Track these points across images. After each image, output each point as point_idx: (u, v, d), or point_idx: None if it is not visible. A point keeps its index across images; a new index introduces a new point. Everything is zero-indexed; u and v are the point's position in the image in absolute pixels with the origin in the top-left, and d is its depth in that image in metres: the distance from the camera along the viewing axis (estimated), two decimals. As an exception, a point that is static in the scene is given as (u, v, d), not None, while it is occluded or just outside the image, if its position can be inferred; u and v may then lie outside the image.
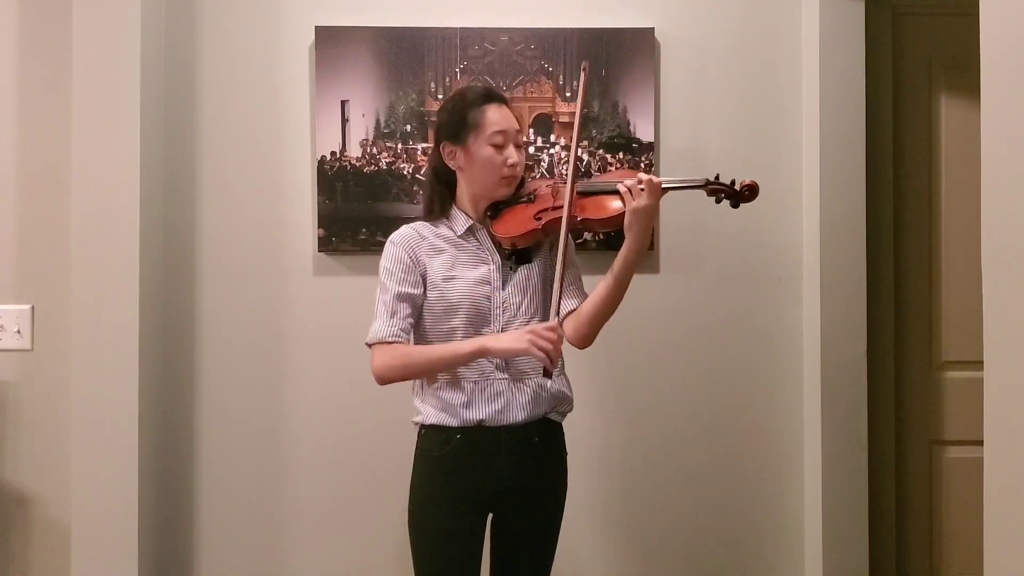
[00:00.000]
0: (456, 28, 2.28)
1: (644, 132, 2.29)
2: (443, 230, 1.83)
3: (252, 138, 2.31)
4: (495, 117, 1.78)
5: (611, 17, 2.32)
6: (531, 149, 2.28)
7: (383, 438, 2.27)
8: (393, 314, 1.77)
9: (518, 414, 1.76)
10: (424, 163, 2.26)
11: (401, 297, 1.77)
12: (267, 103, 2.31)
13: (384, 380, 1.76)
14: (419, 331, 1.82)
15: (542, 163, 2.29)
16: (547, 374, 1.71)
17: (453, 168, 1.83)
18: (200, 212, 2.30)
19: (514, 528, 1.81)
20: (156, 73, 2.24)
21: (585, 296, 1.82)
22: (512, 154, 1.79)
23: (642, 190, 1.71)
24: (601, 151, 2.29)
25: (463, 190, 1.85)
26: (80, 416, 2.11)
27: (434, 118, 2.18)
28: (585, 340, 1.79)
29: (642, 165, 2.29)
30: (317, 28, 2.27)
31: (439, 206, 1.85)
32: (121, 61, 2.13)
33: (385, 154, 2.27)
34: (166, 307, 2.28)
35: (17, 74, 2.24)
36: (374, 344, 1.77)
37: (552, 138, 2.29)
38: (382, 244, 1.85)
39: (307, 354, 2.30)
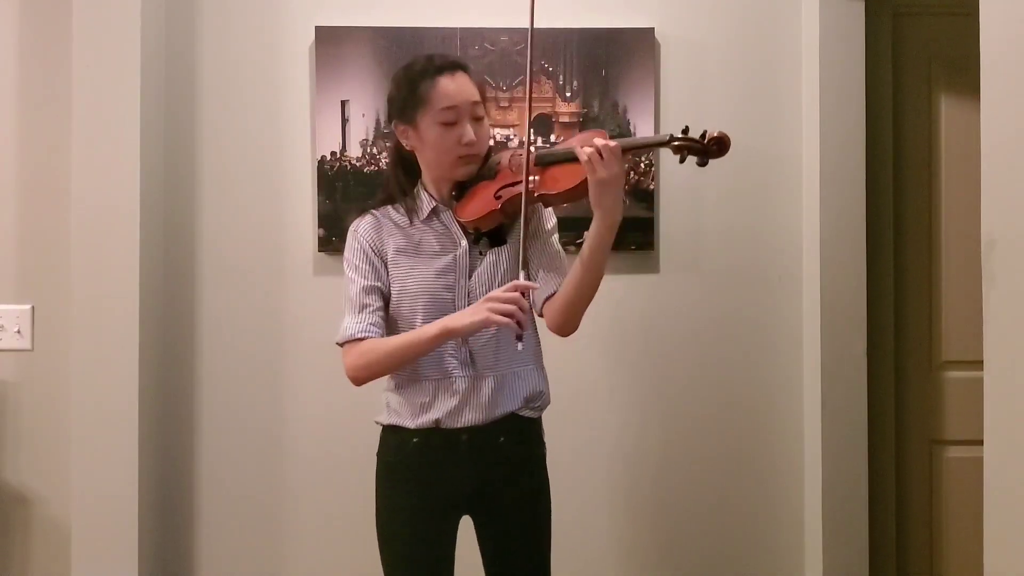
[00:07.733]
0: (456, 28, 2.28)
1: (644, 132, 2.29)
2: (407, 215, 1.71)
3: (252, 138, 2.31)
4: (446, 90, 1.62)
5: (611, 17, 2.32)
6: (531, 149, 2.28)
7: (383, 438, 2.27)
8: (362, 308, 1.66)
9: (475, 415, 1.65)
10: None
11: (369, 290, 1.67)
12: (267, 103, 2.31)
13: (357, 380, 1.67)
14: (387, 328, 1.71)
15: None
16: (519, 337, 1.55)
17: (408, 148, 1.71)
18: (200, 212, 2.30)
19: (496, 532, 1.71)
20: (156, 73, 2.24)
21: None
22: (467, 131, 1.64)
23: (602, 159, 1.53)
24: (601, 151, 2.29)
25: (424, 171, 1.73)
26: (80, 416, 2.11)
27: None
28: (564, 328, 1.66)
29: (642, 165, 2.29)
30: (317, 28, 2.27)
31: (400, 190, 1.73)
32: (121, 61, 2.13)
33: (385, 154, 2.27)
34: (166, 307, 2.28)
35: (17, 74, 2.25)
36: (345, 343, 1.67)
37: (552, 138, 2.28)
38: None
39: (307, 354, 2.30)
